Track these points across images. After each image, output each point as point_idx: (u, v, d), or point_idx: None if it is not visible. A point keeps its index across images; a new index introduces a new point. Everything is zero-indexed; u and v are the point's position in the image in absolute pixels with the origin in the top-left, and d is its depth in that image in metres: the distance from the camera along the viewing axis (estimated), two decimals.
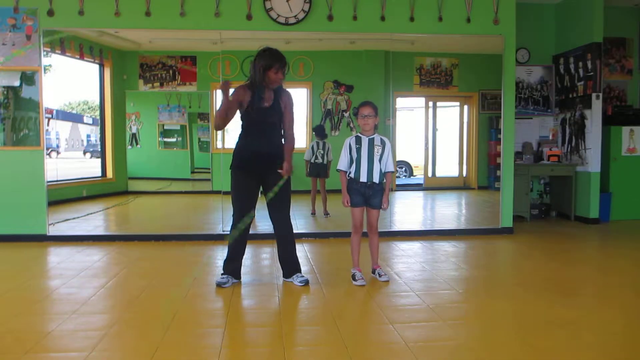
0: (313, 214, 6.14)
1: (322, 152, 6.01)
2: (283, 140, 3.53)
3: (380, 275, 3.58)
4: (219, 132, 7.14)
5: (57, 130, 7.01)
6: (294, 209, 3.58)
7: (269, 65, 3.32)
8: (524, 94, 6.62)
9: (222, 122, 3.38)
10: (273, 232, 3.57)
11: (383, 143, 3.55)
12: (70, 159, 8.01)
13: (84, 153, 8.07)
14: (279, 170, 3.41)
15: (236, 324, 2.80)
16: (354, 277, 3.50)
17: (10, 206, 4.96)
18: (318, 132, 6.16)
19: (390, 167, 3.57)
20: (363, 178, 3.50)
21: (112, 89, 6.79)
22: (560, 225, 6.05)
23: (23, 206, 4.96)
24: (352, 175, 3.54)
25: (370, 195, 3.54)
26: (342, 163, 3.56)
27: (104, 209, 6.56)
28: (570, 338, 2.59)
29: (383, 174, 3.55)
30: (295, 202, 3.60)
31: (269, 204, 3.48)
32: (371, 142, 3.52)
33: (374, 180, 3.52)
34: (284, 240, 3.52)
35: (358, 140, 3.54)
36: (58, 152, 7.68)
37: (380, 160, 3.52)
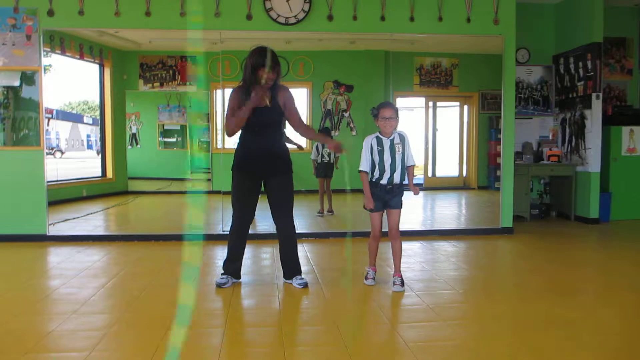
0: (320, 213, 6.10)
1: (328, 150, 5.99)
2: (300, 135, 3.54)
3: (394, 284, 3.39)
4: (219, 132, 7.15)
5: (57, 130, 7.01)
6: (296, 208, 3.58)
7: (259, 64, 3.26)
8: (524, 94, 6.62)
9: (239, 127, 3.34)
10: (273, 232, 3.56)
11: (402, 139, 3.43)
12: (70, 159, 8.02)
13: (98, 153, 8.02)
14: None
15: (236, 324, 2.80)
16: (365, 276, 3.50)
17: (10, 206, 4.96)
18: (323, 133, 6.15)
19: (412, 161, 3.46)
20: (384, 180, 3.39)
21: (112, 89, 6.79)
22: (560, 225, 6.05)
23: (23, 206, 4.96)
24: (374, 179, 3.42)
25: (390, 198, 3.43)
26: (364, 164, 3.41)
27: (104, 209, 6.56)
28: (570, 338, 2.59)
29: (404, 172, 3.44)
30: (297, 202, 3.59)
31: (272, 205, 3.47)
32: (392, 143, 3.40)
33: (395, 182, 3.40)
34: (286, 241, 3.51)
35: (379, 142, 3.40)
36: (62, 152, 7.69)
37: (402, 159, 3.40)
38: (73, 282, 3.54)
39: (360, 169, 3.42)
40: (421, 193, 7.51)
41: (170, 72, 6.85)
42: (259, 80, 3.30)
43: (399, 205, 3.45)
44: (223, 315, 2.93)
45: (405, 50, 6.36)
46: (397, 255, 3.47)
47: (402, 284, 3.38)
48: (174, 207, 7.26)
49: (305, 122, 3.57)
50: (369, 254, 3.57)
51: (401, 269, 3.48)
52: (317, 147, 6.07)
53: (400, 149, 3.39)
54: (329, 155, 6.02)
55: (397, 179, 3.40)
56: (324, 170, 6.04)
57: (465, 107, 7.11)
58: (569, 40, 6.38)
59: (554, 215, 6.63)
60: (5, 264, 4.21)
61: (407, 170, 3.47)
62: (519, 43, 5.73)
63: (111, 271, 3.92)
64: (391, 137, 3.40)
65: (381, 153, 3.38)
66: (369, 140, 3.42)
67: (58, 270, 3.94)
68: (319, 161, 6.04)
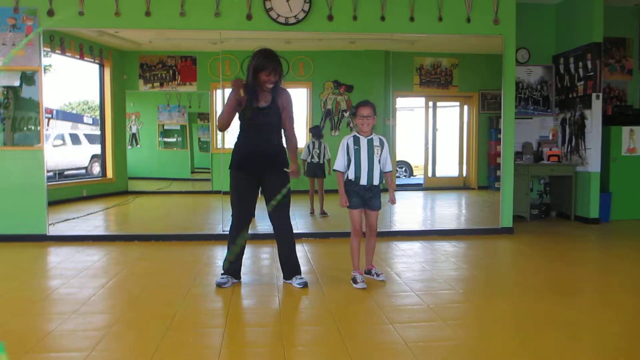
0: (312, 213, 6.15)
1: (318, 151, 6.02)
2: (284, 140, 3.53)
3: (377, 275, 3.56)
4: (219, 132, 7.15)
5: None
6: (293, 208, 3.58)
7: (261, 67, 3.27)
8: (524, 94, 6.62)
9: (227, 122, 3.39)
10: (273, 232, 3.56)
11: (382, 143, 3.50)
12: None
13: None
14: (286, 170, 3.38)
15: (236, 324, 2.80)
16: (354, 281, 3.45)
17: (10, 206, 4.96)
18: (314, 132, 6.19)
19: (389, 167, 3.55)
20: (363, 181, 3.44)
21: (112, 89, 6.79)
22: (560, 225, 6.05)
23: (23, 206, 4.96)
24: (351, 177, 3.47)
25: (370, 197, 3.49)
26: (339, 164, 3.48)
27: (104, 209, 6.56)
28: (570, 338, 2.59)
29: (382, 175, 3.53)
30: (295, 202, 3.59)
31: (268, 204, 3.47)
32: (370, 143, 3.45)
33: (374, 183, 3.47)
34: (284, 241, 3.52)
35: (356, 141, 3.46)
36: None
37: (380, 162, 3.48)
38: (73, 282, 3.54)
39: (335, 168, 3.50)
40: (421, 193, 7.53)
41: (170, 72, 6.85)
42: (260, 83, 3.31)
43: (378, 207, 3.54)
44: (223, 315, 2.93)
45: (405, 50, 6.36)
46: (371, 250, 3.64)
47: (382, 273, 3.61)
48: (174, 207, 7.27)
49: (295, 127, 3.52)
50: (352, 256, 3.55)
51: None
52: (308, 147, 6.09)
53: (379, 152, 3.46)
54: (318, 156, 6.05)
55: (375, 180, 3.46)
56: (313, 170, 6.06)
57: (465, 107, 7.11)
58: (569, 40, 6.38)
59: (554, 215, 6.63)
60: (5, 264, 4.21)
61: (385, 176, 3.55)
62: (519, 43, 5.74)
63: (111, 271, 3.92)
64: (369, 137, 3.46)
65: (357, 152, 3.43)
66: (346, 140, 3.48)
67: (58, 270, 3.93)
68: (309, 161, 6.07)
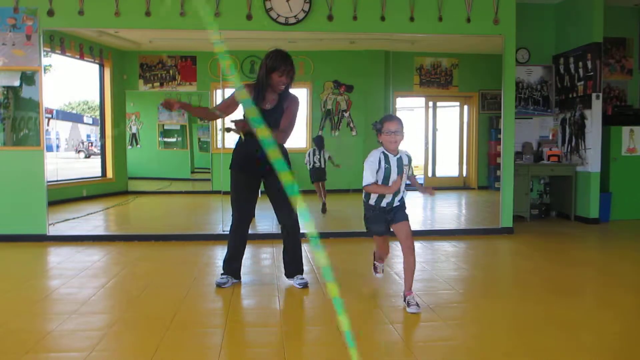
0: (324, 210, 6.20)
1: (319, 157, 6.08)
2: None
3: (409, 305, 2.96)
4: (219, 133, 7.16)
5: (57, 130, 7.01)
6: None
7: (274, 67, 3.28)
8: (524, 94, 6.62)
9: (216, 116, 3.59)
10: (273, 232, 3.56)
11: (410, 161, 3.09)
12: (70, 159, 8.02)
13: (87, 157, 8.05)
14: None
15: (236, 324, 2.80)
16: (375, 269, 3.46)
17: (10, 206, 4.96)
18: (317, 141, 6.24)
19: (412, 173, 3.17)
20: (384, 203, 3.02)
21: (112, 89, 6.79)
22: (560, 225, 6.05)
23: (23, 206, 4.96)
24: (371, 200, 3.05)
25: (394, 216, 3.07)
26: (370, 178, 2.96)
27: (104, 209, 6.56)
28: (570, 338, 2.59)
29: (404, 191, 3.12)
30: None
31: (274, 204, 3.47)
32: (400, 162, 3.01)
33: (394, 205, 3.05)
34: (291, 240, 3.51)
35: (387, 159, 2.98)
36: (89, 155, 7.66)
37: (405, 182, 3.08)
38: (73, 282, 3.54)
39: (366, 183, 2.97)
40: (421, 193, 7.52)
41: (170, 72, 6.85)
42: (273, 84, 3.31)
43: (403, 218, 3.06)
44: (223, 315, 2.93)
45: (405, 50, 6.36)
46: (410, 270, 3.03)
47: (418, 305, 2.96)
48: (174, 207, 7.27)
49: (290, 128, 3.42)
50: (375, 251, 3.42)
51: (401, 269, 3.46)
52: (309, 155, 6.13)
53: (407, 171, 3.03)
54: (319, 160, 6.08)
55: (397, 202, 3.05)
56: (317, 175, 6.13)
57: (465, 107, 7.11)
58: (569, 40, 6.38)
59: (554, 215, 6.63)
60: (5, 264, 4.21)
61: (410, 180, 3.16)
62: (519, 43, 5.73)
63: (111, 271, 3.92)
64: (398, 156, 3.02)
65: (388, 171, 2.97)
66: (377, 154, 2.99)
67: (58, 270, 3.93)
68: (312, 167, 6.11)
